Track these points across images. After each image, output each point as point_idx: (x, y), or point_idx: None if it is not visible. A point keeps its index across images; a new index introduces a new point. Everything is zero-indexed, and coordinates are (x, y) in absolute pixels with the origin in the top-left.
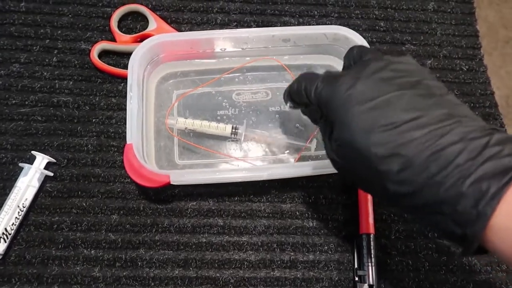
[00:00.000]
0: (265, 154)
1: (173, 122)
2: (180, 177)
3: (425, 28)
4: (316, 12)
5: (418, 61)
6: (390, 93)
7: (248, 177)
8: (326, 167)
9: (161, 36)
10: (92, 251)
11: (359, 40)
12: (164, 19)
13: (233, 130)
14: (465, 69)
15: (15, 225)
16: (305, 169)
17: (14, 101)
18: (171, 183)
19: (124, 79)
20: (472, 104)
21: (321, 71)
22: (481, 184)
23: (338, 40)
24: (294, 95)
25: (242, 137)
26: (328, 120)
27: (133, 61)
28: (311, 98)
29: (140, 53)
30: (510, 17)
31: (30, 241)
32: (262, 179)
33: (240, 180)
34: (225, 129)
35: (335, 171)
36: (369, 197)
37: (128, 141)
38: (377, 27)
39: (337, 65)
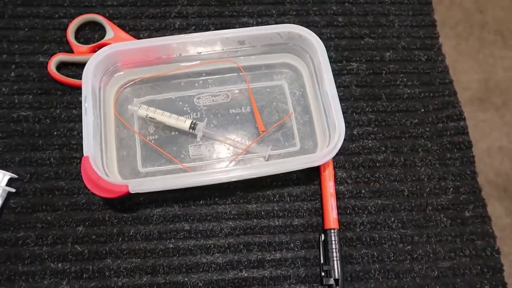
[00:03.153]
0: (228, 156)
1: (136, 108)
2: (139, 185)
3: (383, 21)
4: (274, 11)
5: (377, 54)
6: None
7: (207, 181)
8: (286, 166)
9: (115, 45)
10: (59, 264)
11: (311, 37)
12: (122, 27)
13: (192, 125)
14: (424, 59)
15: None
16: (265, 169)
17: None
18: (131, 192)
19: None
20: (431, 94)
21: (279, 70)
22: None
23: (292, 38)
24: None
25: (200, 133)
26: None
27: (87, 72)
28: None
29: (93, 63)
30: (485, 1)
31: None
32: (221, 181)
33: (199, 184)
34: (185, 122)
35: (296, 168)
36: (332, 191)
37: (85, 153)
38: (335, 23)
39: (294, 62)
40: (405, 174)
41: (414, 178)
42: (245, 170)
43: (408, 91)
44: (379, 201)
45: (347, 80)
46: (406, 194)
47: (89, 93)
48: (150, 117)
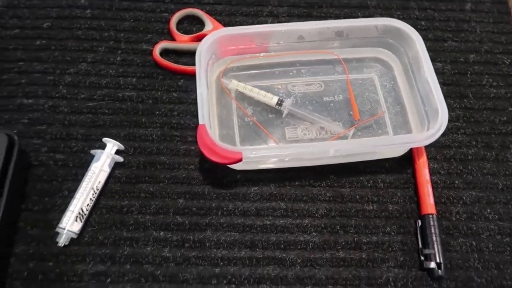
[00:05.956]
0: (324, 139)
1: (227, 82)
2: (251, 153)
3: (465, 26)
4: (359, 13)
5: (461, 56)
6: None
7: (315, 152)
8: (393, 140)
9: (225, 29)
10: (161, 233)
11: (409, 29)
12: (219, 22)
13: (279, 101)
14: (508, 63)
15: (89, 206)
16: (373, 142)
17: (83, 96)
18: (243, 160)
19: (183, 75)
20: None
21: (369, 64)
22: None
23: (388, 31)
24: None
25: (286, 110)
26: None
27: (200, 51)
28: None
29: (207, 43)
30: None
31: (102, 223)
32: (328, 155)
33: (305, 158)
34: (272, 98)
35: (403, 145)
36: (428, 178)
37: (201, 122)
38: (419, 26)
39: (386, 57)
40: (498, 168)
41: (507, 173)
42: (356, 143)
43: (494, 91)
44: (473, 193)
45: None
46: (500, 187)
47: (202, 69)
48: (240, 92)
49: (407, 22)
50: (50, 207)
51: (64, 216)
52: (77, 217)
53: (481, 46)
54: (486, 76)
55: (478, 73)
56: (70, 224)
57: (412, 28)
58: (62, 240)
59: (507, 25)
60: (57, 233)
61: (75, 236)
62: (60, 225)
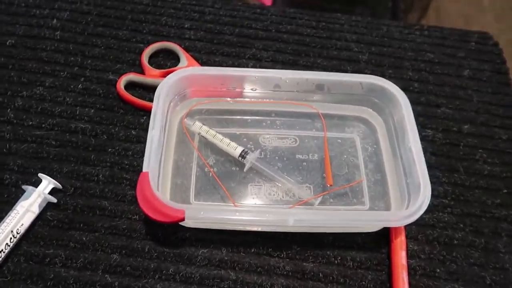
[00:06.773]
0: (288, 202)
1: (190, 123)
2: (195, 214)
3: (461, 94)
4: (349, 67)
5: (454, 125)
6: None
7: (272, 221)
8: (363, 217)
9: (193, 68)
10: None
11: (396, 91)
12: (196, 59)
13: (242, 153)
14: (504, 138)
15: (4, 252)
16: (339, 217)
17: (30, 123)
18: (185, 219)
19: (147, 112)
20: None
21: (352, 123)
22: None
23: (373, 90)
24: None
25: (248, 163)
26: None
27: (160, 89)
28: None
29: (169, 82)
30: None
31: (17, 273)
32: (288, 224)
33: (262, 224)
34: (236, 149)
35: (372, 223)
36: (404, 263)
37: (144, 169)
38: (411, 88)
39: (369, 117)
40: (487, 259)
41: (497, 266)
42: (321, 214)
43: (488, 168)
44: (456, 286)
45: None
46: (488, 282)
47: (159, 109)
48: (202, 136)
49: (399, 82)
50: None
51: None
52: None
53: (477, 116)
54: (480, 150)
55: (471, 146)
56: None
57: (400, 90)
58: None
59: (507, 96)
60: None
61: None
62: None
